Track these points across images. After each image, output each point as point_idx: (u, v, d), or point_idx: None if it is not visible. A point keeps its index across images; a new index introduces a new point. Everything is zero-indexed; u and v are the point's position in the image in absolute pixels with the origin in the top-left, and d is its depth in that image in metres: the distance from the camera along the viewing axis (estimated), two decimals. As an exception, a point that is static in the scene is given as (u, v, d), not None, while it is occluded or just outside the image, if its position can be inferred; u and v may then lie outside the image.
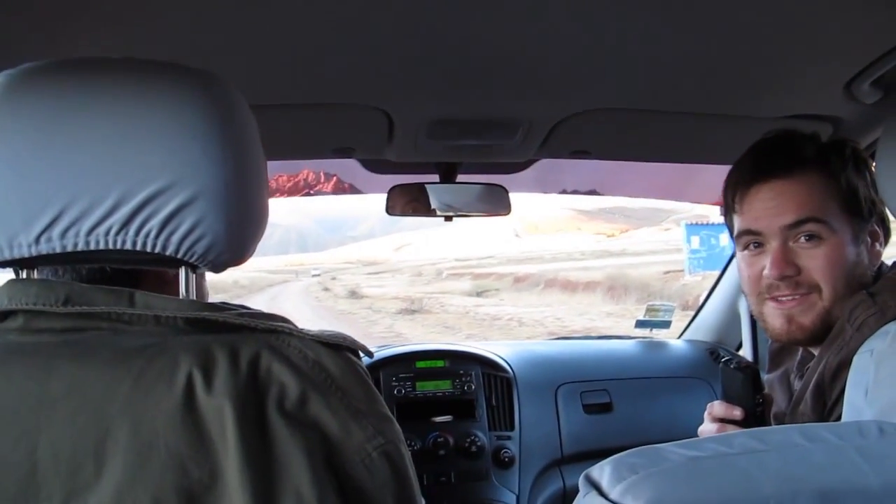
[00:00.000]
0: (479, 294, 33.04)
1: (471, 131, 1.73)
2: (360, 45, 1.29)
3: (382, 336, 17.10)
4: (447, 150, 1.86)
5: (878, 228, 1.29)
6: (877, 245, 1.29)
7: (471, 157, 1.96)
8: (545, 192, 2.48)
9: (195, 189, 0.75)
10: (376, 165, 2.03)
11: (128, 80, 0.77)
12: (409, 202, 2.06)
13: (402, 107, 1.59)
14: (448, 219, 2.09)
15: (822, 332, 1.24)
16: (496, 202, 2.07)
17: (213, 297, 0.92)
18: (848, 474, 0.71)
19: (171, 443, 0.67)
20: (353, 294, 36.36)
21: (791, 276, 1.25)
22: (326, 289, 42.51)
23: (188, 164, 0.75)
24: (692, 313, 2.78)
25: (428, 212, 2.06)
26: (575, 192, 2.49)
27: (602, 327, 17.96)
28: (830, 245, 1.23)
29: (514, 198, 2.08)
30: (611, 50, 1.35)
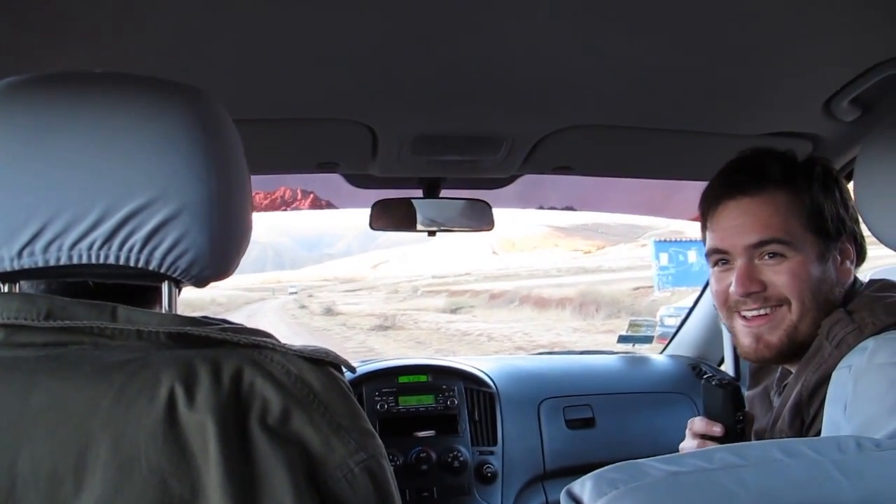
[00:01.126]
0: (453, 311, 33.27)
1: (455, 147, 1.74)
2: (345, 61, 1.29)
3: (355, 351, 17.25)
4: (431, 165, 1.87)
5: (849, 246, 1.29)
6: (847, 263, 1.29)
7: (455, 173, 1.97)
8: (527, 208, 2.49)
9: (179, 204, 0.75)
10: (360, 180, 2.03)
11: (112, 94, 0.77)
12: (392, 217, 2.06)
13: (386, 122, 1.60)
14: (431, 234, 2.09)
15: (789, 350, 1.26)
16: (479, 217, 2.08)
17: (193, 315, 0.91)
18: (826, 489, 0.72)
19: (153, 458, 0.67)
20: (329, 311, 36.36)
21: (757, 291, 1.27)
22: (303, 306, 42.33)
23: (172, 179, 0.75)
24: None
25: (412, 227, 2.07)
26: (555, 208, 2.50)
27: (567, 342, 18.15)
28: (794, 262, 1.25)
29: (495, 214, 2.08)
30: (593, 68, 1.36)
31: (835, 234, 1.27)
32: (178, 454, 0.67)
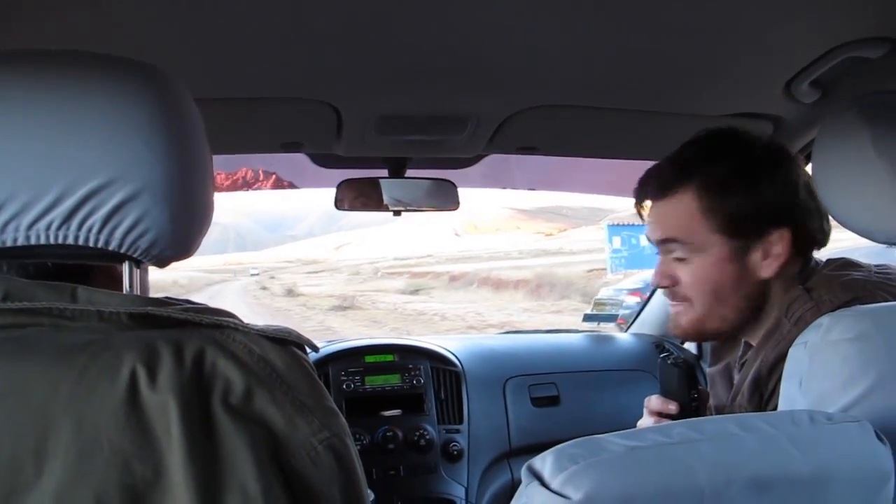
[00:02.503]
0: (413, 292, 33.59)
1: (420, 127, 1.74)
2: (308, 40, 1.29)
3: (314, 330, 17.75)
4: (396, 145, 1.86)
5: (778, 240, 1.26)
6: (771, 258, 1.26)
7: (420, 153, 1.96)
8: (493, 188, 2.49)
9: (139, 183, 0.74)
10: (325, 160, 2.02)
11: (69, 72, 0.76)
12: (358, 197, 2.05)
13: (350, 102, 1.59)
14: (397, 213, 2.09)
15: (698, 336, 1.41)
16: (445, 197, 2.08)
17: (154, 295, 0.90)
18: (779, 461, 0.74)
19: (115, 440, 0.66)
20: (290, 292, 36.54)
21: (668, 286, 1.33)
22: (264, 287, 42.36)
23: (132, 159, 0.74)
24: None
25: (377, 206, 2.06)
26: (522, 188, 2.51)
27: (517, 321, 18.93)
28: (697, 263, 1.28)
29: (460, 194, 2.09)
30: (557, 48, 1.37)
31: (755, 232, 1.26)
32: (140, 435, 0.67)
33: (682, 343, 2.61)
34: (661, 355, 1.40)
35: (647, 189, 1.35)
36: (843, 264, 1.26)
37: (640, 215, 1.40)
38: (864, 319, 0.91)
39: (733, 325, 1.30)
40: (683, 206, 1.29)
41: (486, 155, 2.03)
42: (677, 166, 1.31)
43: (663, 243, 1.32)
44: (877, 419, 0.82)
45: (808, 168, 1.25)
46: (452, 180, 2.07)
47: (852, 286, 1.17)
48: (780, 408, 0.98)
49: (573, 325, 2.86)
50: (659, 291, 2.68)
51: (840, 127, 1.08)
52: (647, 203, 1.36)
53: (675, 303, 1.34)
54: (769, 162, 1.28)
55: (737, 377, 1.38)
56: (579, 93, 1.61)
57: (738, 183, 1.26)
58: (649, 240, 1.37)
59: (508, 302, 25.67)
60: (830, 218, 1.24)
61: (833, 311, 1.08)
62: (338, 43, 1.30)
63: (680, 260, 1.30)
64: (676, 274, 1.31)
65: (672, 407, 1.34)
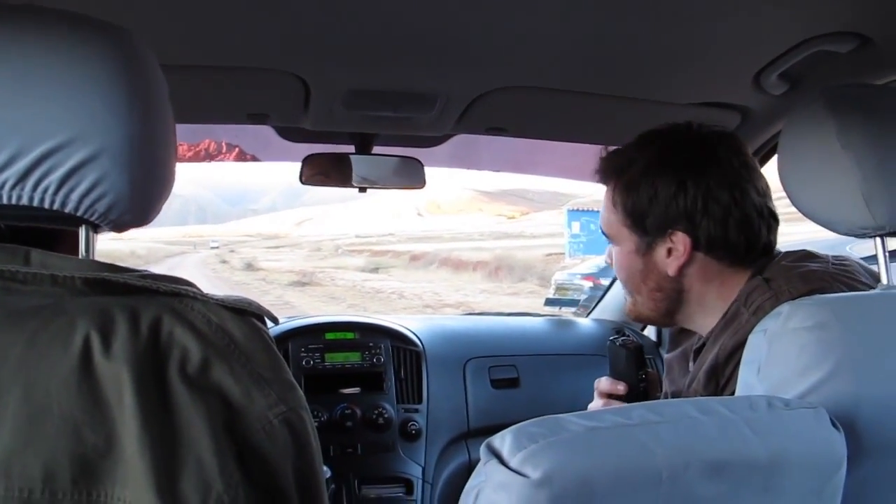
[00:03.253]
0: (372, 270, 33.87)
1: (388, 103, 1.72)
2: (278, 9, 1.26)
3: (272, 304, 18.36)
4: (364, 120, 1.85)
5: (679, 242, 1.29)
6: (673, 258, 1.30)
7: (388, 129, 1.95)
8: (460, 168, 2.49)
9: (98, 145, 0.72)
10: (291, 133, 2.00)
11: (27, 27, 0.73)
12: (323, 172, 2.03)
13: (318, 74, 1.57)
14: (362, 190, 2.07)
15: (639, 319, 1.45)
16: (411, 175, 2.07)
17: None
18: (737, 445, 0.75)
19: (66, 408, 0.65)
20: (250, 267, 36.58)
21: (610, 264, 1.45)
22: (224, 261, 42.24)
23: (91, 119, 0.72)
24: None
25: (343, 182, 2.04)
26: (488, 169, 2.51)
27: (473, 302, 19.42)
28: (616, 252, 1.40)
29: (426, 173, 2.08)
30: (527, 29, 1.36)
31: (656, 230, 1.31)
32: (92, 404, 0.65)
33: (643, 329, 2.64)
34: (611, 338, 1.42)
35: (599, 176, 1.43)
36: (802, 255, 1.28)
37: None
38: (823, 308, 0.92)
39: (658, 313, 1.38)
40: (608, 198, 1.38)
41: (454, 134, 2.02)
42: (612, 161, 1.39)
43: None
44: (832, 406, 0.84)
45: (774, 161, 1.26)
46: (419, 158, 2.05)
47: (810, 277, 1.19)
48: (737, 393, 0.99)
49: (529, 307, 2.90)
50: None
51: (806, 119, 1.09)
52: None
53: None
54: (683, 169, 1.29)
55: (692, 365, 1.39)
56: (549, 75, 1.61)
57: (642, 183, 1.31)
58: None
59: (466, 283, 26.07)
60: (764, 227, 1.29)
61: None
62: (308, 13, 1.28)
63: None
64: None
65: (620, 388, 1.36)
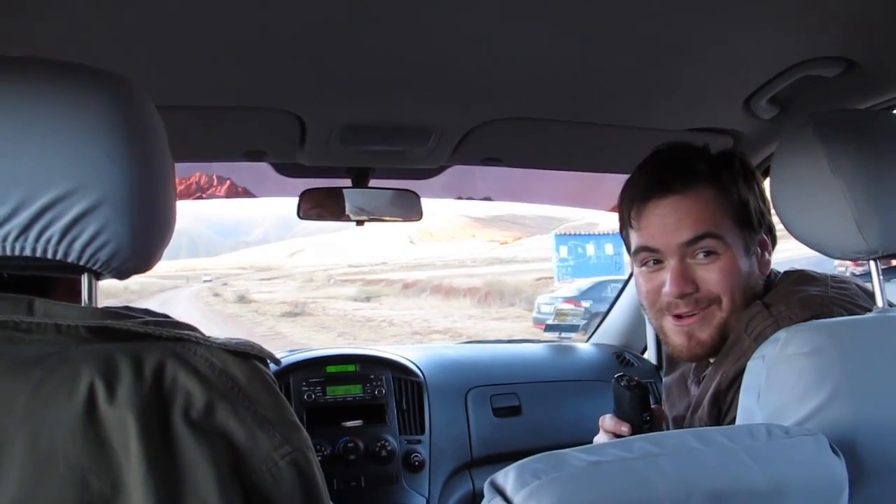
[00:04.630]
0: (364, 299, 34.01)
1: (384, 137, 1.73)
2: (272, 49, 1.28)
3: (264, 335, 18.34)
4: (360, 155, 1.86)
5: (766, 238, 1.34)
6: (766, 254, 1.34)
7: (384, 163, 1.96)
8: (455, 198, 2.50)
9: (99, 194, 0.73)
10: (288, 169, 2.01)
11: (29, 80, 0.74)
12: (321, 206, 2.04)
13: (314, 111, 1.58)
14: (360, 223, 2.08)
15: (719, 345, 1.27)
16: (408, 207, 2.08)
17: (108, 302, 0.89)
18: (738, 475, 0.75)
19: (72, 455, 0.65)
20: (243, 299, 36.72)
21: (690, 293, 1.27)
22: (217, 294, 42.27)
23: (92, 169, 0.73)
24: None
25: (340, 216, 2.05)
26: (482, 198, 2.52)
27: (461, 327, 19.54)
28: (726, 259, 1.26)
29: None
30: (521, 61, 1.38)
31: (757, 226, 1.31)
32: (98, 450, 0.66)
33: (642, 353, 2.64)
34: (616, 375, 1.40)
35: (654, 190, 1.31)
36: (800, 278, 1.28)
37: (628, 224, 1.36)
38: (819, 334, 0.92)
39: (720, 338, 1.28)
40: (708, 198, 1.28)
41: (449, 165, 2.03)
42: (682, 166, 1.30)
43: (693, 243, 1.27)
44: (832, 431, 0.84)
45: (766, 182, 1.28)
46: (415, 190, 2.07)
47: (810, 303, 1.19)
48: (738, 420, 0.99)
49: (515, 330, 2.92)
50: (621, 301, 2.72)
51: (797, 143, 1.10)
52: (653, 204, 1.31)
53: (691, 314, 1.29)
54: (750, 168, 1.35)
55: (694, 389, 1.39)
56: (542, 106, 1.63)
57: (739, 177, 1.30)
58: (647, 248, 1.32)
59: (455, 309, 26.24)
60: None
61: None
62: (301, 53, 1.30)
63: (705, 261, 1.27)
64: (698, 277, 1.28)
65: (625, 429, 1.34)
